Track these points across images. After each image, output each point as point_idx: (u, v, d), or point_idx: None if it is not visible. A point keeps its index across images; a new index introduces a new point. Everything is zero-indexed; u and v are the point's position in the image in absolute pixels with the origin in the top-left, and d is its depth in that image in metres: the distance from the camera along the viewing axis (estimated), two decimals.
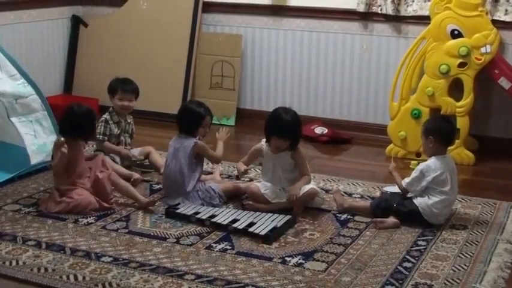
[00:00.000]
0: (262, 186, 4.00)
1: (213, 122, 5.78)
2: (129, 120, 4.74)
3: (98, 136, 4.51)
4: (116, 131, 4.62)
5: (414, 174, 3.78)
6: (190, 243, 3.50)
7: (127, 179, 4.27)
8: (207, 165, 4.63)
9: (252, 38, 5.95)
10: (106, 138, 4.57)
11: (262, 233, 3.55)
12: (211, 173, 4.49)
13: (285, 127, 3.92)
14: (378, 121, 5.59)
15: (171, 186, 4.10)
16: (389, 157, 4.79)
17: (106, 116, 4.64)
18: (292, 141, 3.94)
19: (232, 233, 3.62)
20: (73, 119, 4.00)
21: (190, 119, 4.15)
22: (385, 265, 3.28)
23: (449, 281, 3.12)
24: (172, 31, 6.08)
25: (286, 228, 3.68)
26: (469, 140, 5.10)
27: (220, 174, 4.49)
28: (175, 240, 3.54)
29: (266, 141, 4.01)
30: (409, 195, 3.85)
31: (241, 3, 5.92)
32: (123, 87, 4.65)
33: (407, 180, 3.81)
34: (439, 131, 3.81)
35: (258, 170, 4.29)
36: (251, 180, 4.41)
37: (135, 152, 4.72)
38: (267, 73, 5.97)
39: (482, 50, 4.80)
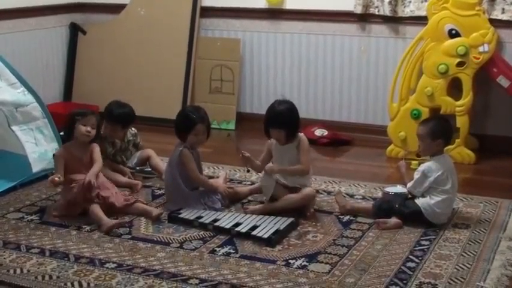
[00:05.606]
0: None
1: (213, 126, 5.90)
2: (126, 140, 4.65)
3: None
4: (109, 150, 4.55)
5: (416, 176, 3.77)
6: (193, 247, 3.51)
7: (126, 187, 4.27)
8: (208, 170, 4.64)
9: (250, 41, 5.96)
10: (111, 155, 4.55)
11: (265, 236, 3.56)
12: (212, 177, 4.41)
13: (277, 117, 3.94)
14: (377, 122, 5.60)
15: (170, 192, 4.10)
16: (400, 158, 4.57)
17: (101, 133, 4.60)
18: (287, 131, 3.93)
19: (235, 236, 3.62)
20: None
21: (181, 123, 4.06)
22: (389, 265, 3.29)
23: (453, 280, 3.13)
24: (170, 36, 6.09)
25: (289, 230, 3.69)
26: (469, 139, 5.11)
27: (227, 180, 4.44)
28: (178, 245, 3.54)
29: (266, 134, 4.02)
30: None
31: (238, 8, 5.92)
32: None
33: (410, 183, 3.81)
34: (447, 133, 3.81)
35: (259, 174, 4.28)
36: (252, 183, 4.42)
37: (134, 159, 4.69)
38: (266, 76, 5.98)
39: (480, 49, 4.81)
